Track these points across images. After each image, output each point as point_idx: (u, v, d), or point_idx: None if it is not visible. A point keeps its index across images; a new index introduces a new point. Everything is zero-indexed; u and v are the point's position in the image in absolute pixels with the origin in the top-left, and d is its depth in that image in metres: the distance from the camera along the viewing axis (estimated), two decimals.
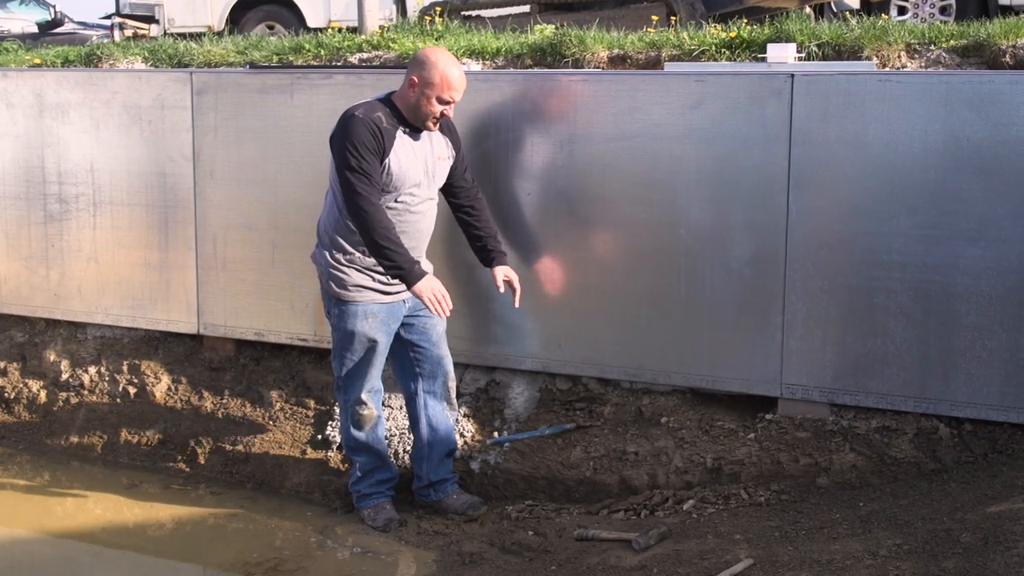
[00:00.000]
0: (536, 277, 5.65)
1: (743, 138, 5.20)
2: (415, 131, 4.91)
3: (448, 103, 4.82)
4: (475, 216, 5.19)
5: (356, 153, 4.74)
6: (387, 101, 4.91)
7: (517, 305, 5.15)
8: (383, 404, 5.44)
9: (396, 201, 4.90)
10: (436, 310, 4.85)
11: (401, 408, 5.84)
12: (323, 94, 5.88)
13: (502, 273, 5.14)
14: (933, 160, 4.91)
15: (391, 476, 5.43)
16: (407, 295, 5.04)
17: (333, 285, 5.02)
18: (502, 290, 5.14)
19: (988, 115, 4.81)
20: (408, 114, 4.87)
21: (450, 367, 5.34)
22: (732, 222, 5.28)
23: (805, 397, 5.28)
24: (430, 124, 4.87)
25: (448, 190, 5.16)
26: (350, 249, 4.97)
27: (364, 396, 5.19)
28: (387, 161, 4.79)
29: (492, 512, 5.35)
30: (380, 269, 4.94)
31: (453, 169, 5.11)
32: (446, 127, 5.06)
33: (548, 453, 5.54)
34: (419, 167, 4.92)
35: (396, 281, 4.97)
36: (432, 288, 4.84)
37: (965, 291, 4.95)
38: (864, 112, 4.98)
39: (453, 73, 4.79)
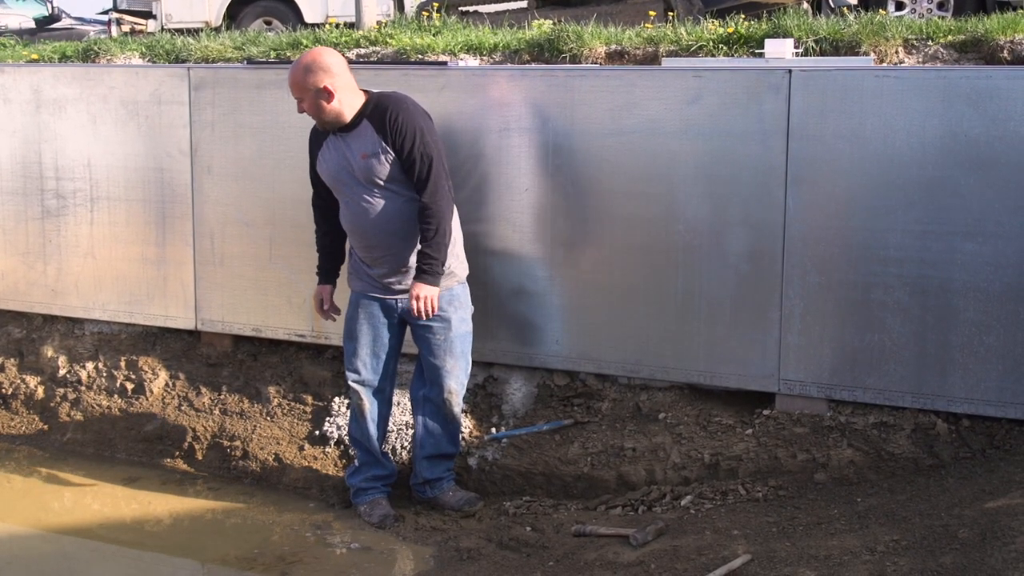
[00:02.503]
0: (533, 273, 5.66)
1: (741, 133, 5.20)
2: (344, 132, 4.97)
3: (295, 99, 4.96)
4: (420, 223, 4.98)
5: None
6: None
7: (421, 319, 5.01)
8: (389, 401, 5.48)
9: (341, 199, 5.11)
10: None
11: (399, 404, 5.84)
12: None
13: (414, 290, 4.92)
14: (930, 155, 4.91)
15: (386, 473, 5.43)
16: (400, 297, 5.12)
17: None
18: (414, 308, 4.94)
19: (985, 110, 4.81)
20: None
21: (450, 381, 5.24)
22: (729, 217, 5.28)
23: (803, 393, 5.28)
24: (319, 124, 5.02)
25: None
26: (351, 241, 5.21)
27: (352, 384, 5.29)
28: (316, 166, 5.14)
29: (489, 508, 5.35)
30: (365, 270, 5.14)
31: (407, 170, 4.91)
32: (384, 120, 4.88)
33: (546, 449, 5.54)
34: (338, 165, 5.00)
35: (367, 276, 5.14)
36: (313, 300, 5.40)
37: (963, 287, 4.95)
38: (862, 107, 4.98)
39: (289, 72, 4.97)
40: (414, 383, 5.40)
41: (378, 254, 5.07)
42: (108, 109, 6.52)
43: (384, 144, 4.90)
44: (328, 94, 4.84)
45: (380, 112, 4.91)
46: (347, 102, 4.90)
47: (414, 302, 4.91)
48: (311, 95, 4.86)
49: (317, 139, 5.11)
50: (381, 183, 4.94)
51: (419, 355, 5.32)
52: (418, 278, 4.93)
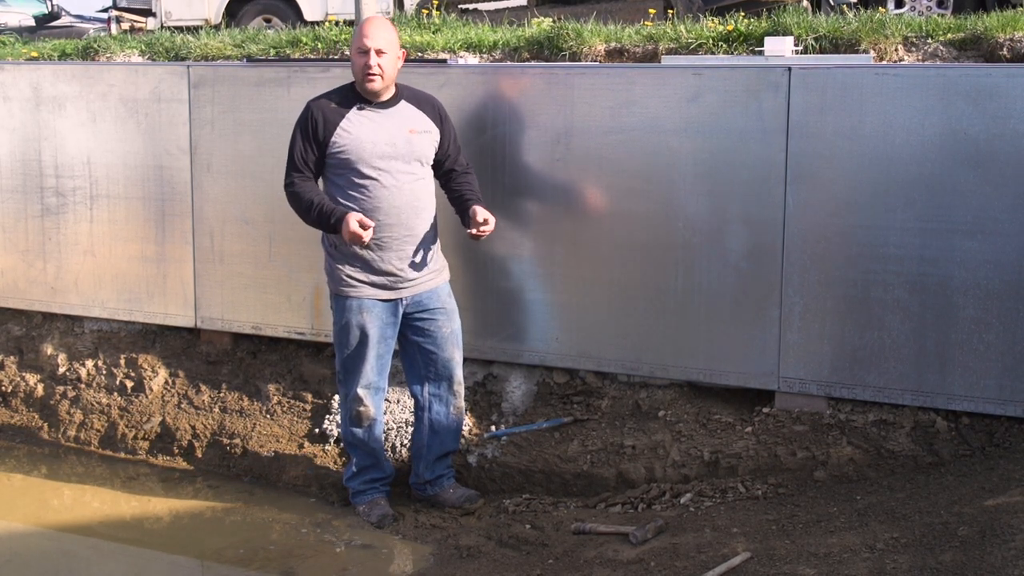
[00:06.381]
0: (532, 270, 5.67)
1: (740, 131, 5.19)
2: (376, 106, 4.96)
3: (367, 52, 4.84)
4: (464, 186, 5.17)
5: (295, 141, 5.00)
6: (350, 84, 5.05)
7: (473, 234, 5.01)
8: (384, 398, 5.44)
9: (363, 177, 4.92)
10: (360, 239, 4.78)
11: (399, 402, 5.85)
12: (320, 87, 5.83)
13: (484, 212, 4.99)
14: (930, 153, 4.91)
15: (384, 476, 5.42)
16: (404, 294, 5.06)
17: (330, 279, 5.10)
18: (479, 220, 4.96)
19: (985, 108, 4.81)
20: (359, 87, 4.97)
21: (457, 371, 5.28)
22: (729, 215, 5.28)
23: (802, 391, 5.28)
24: (365, 83, 4.89)
25: (442, 173, 5.18)
26: (338, 243, 5.02)
27: (361, 392, 5.16)
28: (334, 139, 4.90)
29: (489, 506, 5.35)
30: (369, 264, 5.00)
31: (443, 149, 5.11)
32: (426, 102, 5.09)
33: (545, 447, 5.54)
34: (382, 139, 4.93)
35: (393, 277, 5.01)
36: (349, 231, 4.76)
37: (962, 284, 4.95)
38: (861, 105, 4.98)
39: (366, 23, 4.92)
40: (412, 384, 5.35)
41: (403, 234, 4.99)
42: (108, 107, 6.52)
43: (433, 124, 5.06)
44: (402, 56, 5.02)
45: (419, 95, 5.11)
46: None
47: (489, 216, 4.97)
48: (395, 50, 4.93)
49: (326, 116, 4.91)
50: (423, 161, 5.05)
51: (414, 353, 5.27)
52: (477, 204, 5.04)
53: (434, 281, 5.17)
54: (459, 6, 10.28)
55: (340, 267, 5.04)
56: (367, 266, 5.01)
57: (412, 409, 5.52)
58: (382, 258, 5.01)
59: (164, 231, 6.49)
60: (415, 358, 5.27)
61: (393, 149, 4.94)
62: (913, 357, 5.07)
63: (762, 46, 6.31)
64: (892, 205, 5.00)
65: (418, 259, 5.07)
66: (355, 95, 4.97)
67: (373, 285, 5.03)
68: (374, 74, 4.86)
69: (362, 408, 5.19)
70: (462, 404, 5.36)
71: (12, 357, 6.95)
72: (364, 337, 5.07)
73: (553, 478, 5.45)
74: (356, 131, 4.91)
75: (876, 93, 4.96)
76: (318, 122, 4.92)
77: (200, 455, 6.12)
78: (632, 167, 5.41)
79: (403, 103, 5.02)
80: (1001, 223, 4.86)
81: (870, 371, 5.14)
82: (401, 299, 5.09)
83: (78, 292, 6.81)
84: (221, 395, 6.32)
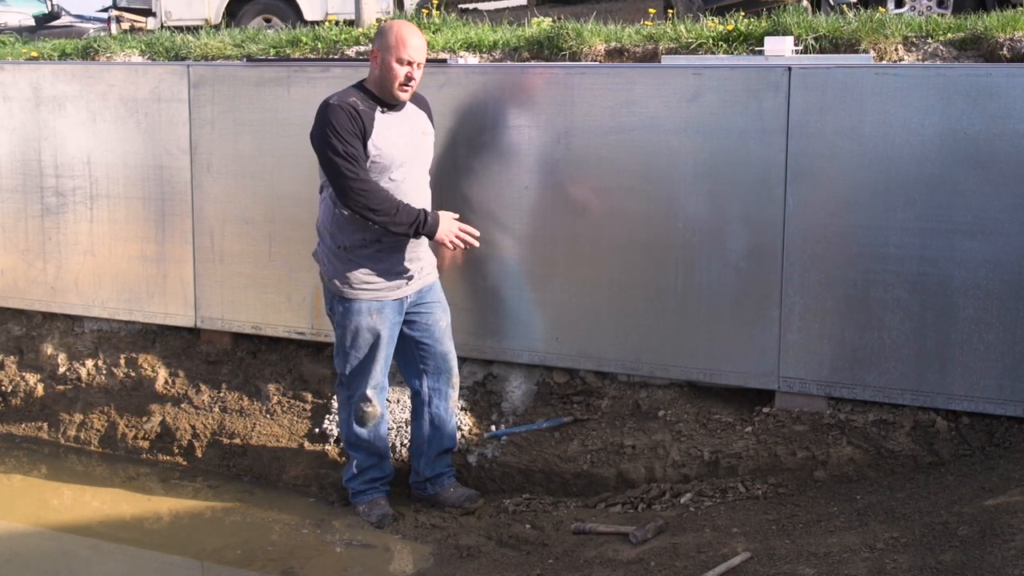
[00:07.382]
0: (532, 270, 5.66)
1: (740, 131, 5.19)
2: (392, 109, 4.92)
3: (409, 63, 4.80)
4: None
5: (339, 138, 4.76)
6: (359, 86, 4.96)
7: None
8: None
9: (390, 181, 4.88)
10: (468, 244, 5.01)
11: (399, 402, 5.85)
12: (320, 87, 5.87)
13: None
14: (930, 153, 4.91)
15: (385, 475, 5.41)
16: (410, 291, 5.06)
17: (336, 283, 5.03)
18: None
19: (985, 108, 4.81)
20: (378, 90, 4.89)
21: (454, 363, 5.32)
22: (729, 215, 5.28)
23: (802, 391, 5.28)
24: (398, 92, 4.85)
25: None
26: (350, 245, 4.97)
27: (369, 393, 5.16)
28: (369, 143, 4.81)
29: (489, 506, 5.35)
30: (384, 265, 4.99)
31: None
32: (423, 103, 5.14)
33: (545, 446, 5.54)
34: (404, 144, 4.92)
35: (404, 276, 5.03)
36: (450, 232, 4.95)
37: (962, 284, 4.95)
38: (861, 105, 4.98)
39: (406, 32, 4.83)
40: (411, 380, 5.35)
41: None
42: (108, 106, 6.52)
43: (431, 125, 5.13)
44: None
45: (417, 97, 5.11)
46: None
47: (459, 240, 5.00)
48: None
49: (362, 117, 4.79)
50: (428, 162, 5.13)
51: (411, 348, 5.25)
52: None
53: (432, 276, 5.23)
54: (459, 6, 10.28)
55: (350, 270, 4.98)
56: (380, 268, 4.99)
57: (413, 408, 5.51)
58: (398, 259, 5.02)
59: (164, 231, 6.49)
60: (412, 353, 5.27)
61: (412, 152, 4.98)
62: (913, 357, 5.07)
63: (762, 46, 6.31)
64: (892, 205, 5.00)
65: (424, 257, 5.13)
66: (372, 98, 4.90)
67: (385, 287, 5.03)
68: (411, 87, 4.88)
69: (370, 409, 5.19)
70: (457, 400, 5.39)
71: (12, 357, 6.95)
72: (376, 339, 5.06)
73: (553, 478, 5.45)
74: (386, 134, 4.88)
75: (876, 93, 4.96)
76: (356, 120, 4.79)
77: (200, 455, 6.12)
78: (632, 167, 5.41)
79: (409, 105, 5.02)
80: (1001, 223, 4.86)
81: (870, 371, 5.14)
82: (406, 296, 5.10)
83: (78, 292, 6.81)
84: (221, 395, 6.32)
